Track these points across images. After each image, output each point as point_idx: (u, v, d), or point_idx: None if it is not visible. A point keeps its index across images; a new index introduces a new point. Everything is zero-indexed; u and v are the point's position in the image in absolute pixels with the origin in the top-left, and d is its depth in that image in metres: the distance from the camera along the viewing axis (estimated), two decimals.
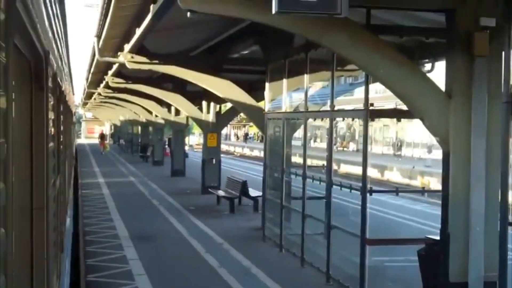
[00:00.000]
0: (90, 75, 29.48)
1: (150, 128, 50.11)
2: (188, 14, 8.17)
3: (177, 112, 34.59)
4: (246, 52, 19.98)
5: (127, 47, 16.14)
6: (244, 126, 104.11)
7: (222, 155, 54.10)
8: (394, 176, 42.63)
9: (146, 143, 49.83)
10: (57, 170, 4.39)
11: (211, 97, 25.60)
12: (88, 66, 27.14)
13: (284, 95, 14.29)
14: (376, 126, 59.15)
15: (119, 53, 16.61)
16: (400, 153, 56.77)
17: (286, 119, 14.12)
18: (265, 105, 16.79)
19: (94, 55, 19.68)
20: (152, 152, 43.69)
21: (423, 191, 14.61)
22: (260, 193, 20.63)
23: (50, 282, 2.98)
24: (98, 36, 16.28)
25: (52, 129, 3.62)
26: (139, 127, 54.39)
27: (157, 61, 16.74)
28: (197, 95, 26.68)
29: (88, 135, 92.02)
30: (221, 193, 22.04)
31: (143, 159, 46.62)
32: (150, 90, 25.96)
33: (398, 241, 11.51)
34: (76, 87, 61.40)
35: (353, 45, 8.35)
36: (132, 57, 16.39)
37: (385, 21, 10.36)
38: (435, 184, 38.74)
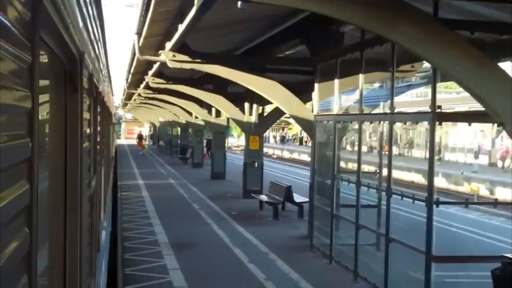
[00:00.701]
0: (130, 76, 28.97)
1: (190, 130, 49.69)
2: (239, 4, 7.35)
3: (218, 114, 33.91)
4: (291, 52, 19.13)
5: (169, 45, 15.40)
6: (283, 128, 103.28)
7: None
8: (438, 181, 41.14)
9: (185, 144, 49.36)
10: (92, 171, 4.36)
11: (253, 98, 24.75)
12: (128, 66, 26.61)
13: (335, 97, 13.32)
14: (419, 129, 57.64)
15: (160, 51, 15.88)
16: (440, 157, 55.13)
17: (338, 122, 13.13)
18: (314, 107, 15.86)
19: (134, 54, 19.04)
20: (191, 154, 43.12)
21: (495, 203, 13.32)
22: (305, 199, 19.72)
23: (84, 280, 2.97)
24: (139, 34, 15.59)
25: (88, 130, 3.58)
26: (179, 129, 53.99)
27: (199, 60, 15.94)
28: (239, 97, 25.90)
29: (127, 136, 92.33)
30: (264, 198, 21.17)
31: (182, 161, 46.13)
32: (191, 91, 25.26)
33: (469, 258, 10.40)
34: (116, 88, 61.61)
35: (425, 40, 7.37)
36: (174, 56, 15.64)
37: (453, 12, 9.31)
38: (484, 191, 37.17)
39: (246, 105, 24.93)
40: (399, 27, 7.35)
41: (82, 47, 2.82)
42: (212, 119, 33.76)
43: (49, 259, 2.46)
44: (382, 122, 12.66)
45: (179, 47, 15.51)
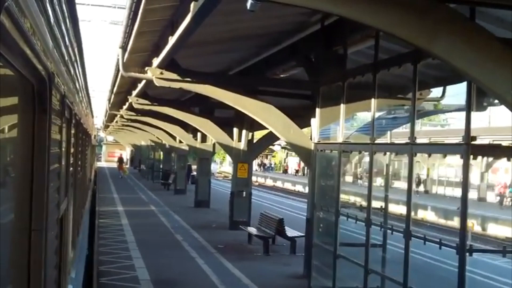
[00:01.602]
0: (113, 96, 27.43)
1: (173, 154, 48.13)
2: (249, 4, 6.01)
3: (203, 139, 32.47)
4: (285, 75, 17.85)
5: (156, 61, 14.00)
6: (267, 156, 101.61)
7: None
8: (427, 215, 39.78)
9: (168, 169, 47.72)
10: (63, 193, 4.33)
11: (243, 123, 23.42)
12: (111, 86, 25.11)
13: (341, 123, 11.96)
14: (404, 161, 56.29)
15: (146, 68, 14.46)
16: (417, 190, 53.89)
17: (344, 152, 11.75)
18: (312, 134, 14.49)
19: (118, 70, 17.56)
20: (174, 179, 41.50)
21: None
22: (298, 233, 18.31)
23: None
24: (123, 48, 14.16)
25: (57, 151, 3.49)
26: (161, 153, 52.37)
27: (189, 79, 14.53)
28: (226, 121, 24.50)
29: (108, 159, 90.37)
30: (253, 230, 19.64)
31: (164, 186, 44.45)
32: (177, 114, 23.80)
33: None
34: (98, 110, 60.04)
35: (475, 55, 6.03)
36: (161, 73, 14.22)
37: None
38: (477, 227, 35.89)
39: (235, 130, 23.52)
40: (442, 40, 6.03)
41: (52, 68, 2.80)
42: (198, 144, 32.28)
43: (12, 280, 2.39)
44: (388, 154, 11.35)
45: (168, 64, 14.11)
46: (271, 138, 24.59)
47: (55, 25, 3.11)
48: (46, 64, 2.57)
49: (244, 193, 23.18)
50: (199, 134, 32.43)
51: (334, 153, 12.37)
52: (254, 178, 79.45)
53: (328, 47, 13.68)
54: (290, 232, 18.60)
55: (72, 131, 5.42)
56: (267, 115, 14.67)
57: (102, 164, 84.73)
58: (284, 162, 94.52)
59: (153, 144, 51.94)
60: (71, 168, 5.43)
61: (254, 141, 24.26)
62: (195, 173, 48.56)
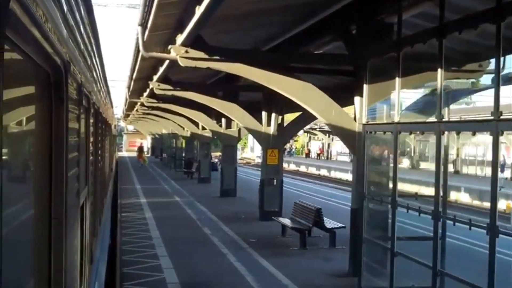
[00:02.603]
0: (132, 82, 26.00)
1: (196, 142, 46.80)
2: None
3: (228, 125, 31.00)
4: (320, 51, 16.21)
5: (180, 38, 12.48)
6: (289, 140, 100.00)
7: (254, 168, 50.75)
8: (463, 197, 37.86)
9: (190, 158, 46.40)
10: (84, 181, 4.35)
11: (271, 106, 21.85)
12: (130, 71, 23.65)
13: (396, 100, 10.33)
14: (432, 141, 54.28)
15: (170, 46, 12.94)
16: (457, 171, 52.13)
17: (401, 132, 10.14)
18: (357, 114, 12.91)
19: (137, 51, 16.08)
20: (198, 168, 40.11)
21: None
22: (337, 224, 16.78)
23: None
24: (143, 25, 12.66)
25: (76, 140, 3.48)
26: (183, 141, 51.05)
27: (218, 57, 12.99)
28: (253, 105, 22.96)
29: (129, 148, 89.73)
30: (287, 222, 18.11)
31: (187, 175, 43.11)
32: (201, 98, 22.29)
33: None
34: (118, 99, 58.90)
35: None
36: (186, 52, 12.70)
37: None
38: None
39: (264, 114, 21.95)
40: None
41: (68, 56, 2.82)
42: (222, 130, 30.78)
43: (33, 268, 2.40)
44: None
45: (193, 41, 12.59)
46: (302, 122, 23.04)
47: (68, 13, 3.06)
48: (61, 53, 2.58)
49: (275, 181, 21.66)
50: (223, 120, 30.98)
51: (388, 134, 10.77)
52: None
53: (374, 15, 12.06)
54: (328, 223, 17.06)
55: (91, 120, 5.39)
56: (306, 94, 13.09)
57: (123, 153, 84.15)
58: (307, 146, 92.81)
59: (174, 132, 50.62)
60: (91, 157, 5.39)
61: (284, 125, 22.62)
62: (215, 160, 47.29)
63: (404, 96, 14.04)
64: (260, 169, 57.59)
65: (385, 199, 10.77)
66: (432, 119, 9.65)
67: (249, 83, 24.43)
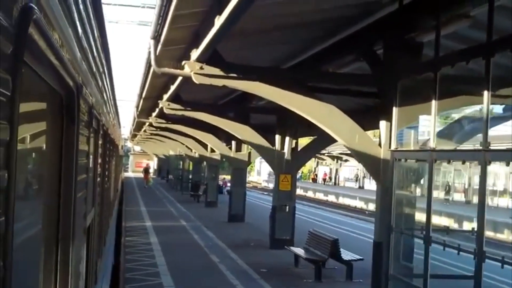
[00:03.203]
0: (142, 101, 25.24)
1: (203, 165, 45.91)
2: None
3: (238, 148, 30.12)
4: (341, 71, 15.34)
5: (196, 53, 11.64)
6: None
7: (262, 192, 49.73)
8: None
9: (198, 180, 45.44)
10: (91, 203, 4.38)
11: (285, 129, 20.97)
12: (140, 89, 22.88)
13: (433, 124, 9.41)
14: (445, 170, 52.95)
15: (184, 62, 12.11)
16: (448, 198, 50.55)
17: (436, 161, 9.19)
18: (382, 139, 11.99)
19: (149, 66, 15.27)
20: (204, 191, 39.13)
21: None
22: (355, 256, 15.76)
23: None
24: (156, 38, 11.86)
25: (85, 162, 3.51)
26: (190, 163, 50.17)
27: (235, 75, 12.13)
28: (265, 128, 22.07)
29: (135, 169, 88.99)
30: (300, 252, 17.09)
31: (194, 198, 42.11)
32: (213, 120, 21.43)
33: None
34: (125, 119, 58.23)
35: None
36: (201, 68, 11.86)
37: None
38: None
39: (277, 137, 21.05)
40: None
41: (80, 80, 2.85)
42: (232, 153, 29.88)
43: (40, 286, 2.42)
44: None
45: (209, 57, 11.76)
46: (317, 146, 22.13)
47: (83, 36, 3.13)
48: (74, 76, 2.61)
49: (287, 207, 20.67)
50: (233, 143, 30.11)
51: (420, 162, 9.83)
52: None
53: (403, 34, 11.21)
54: (345, 255, 16.03)
55: (100, 142, 5.45)
56: (328, 117, 12.18)
57: (129, 174, 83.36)
58: (315, 171, 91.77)
59: (182, 154, 49.78)
60: (98, 179, 5.39)
61: (299, 149, 21.69)
62: (219, 182, 46.25)
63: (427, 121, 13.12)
64: (267, 193, 56.75)
65: (416, 233, 9.78)
66: (470, 146, 8.75)
67: (262, 105, 23.66)
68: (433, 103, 9.32)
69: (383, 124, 12.14)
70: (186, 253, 19.23)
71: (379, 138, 12.43)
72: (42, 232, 2.40)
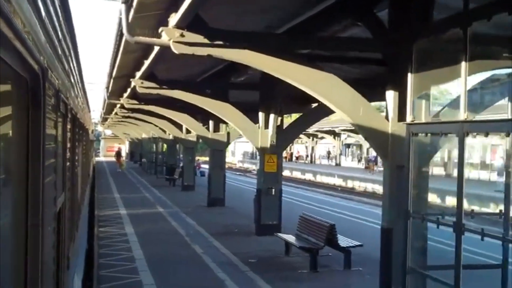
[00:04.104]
0: (112, 81, 23.37)
1: (178, 147, 44.25)
2: None
3: (216, 128, 28.50)
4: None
5: (175, 18, 10.00)
6: None
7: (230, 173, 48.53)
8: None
9: (173, 164, 43.76)
10: (61, 188, 4.39)
11: (269, 106, 19.42)
12: (110, 68, 21.01)
13: (462, 92, 7.95)
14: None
15: (161, 29, 10.43)
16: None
17: (468, 134, 7.73)
18: (389, 111, 10.54)
19: (120, 37, 13.55)
20: (181, 174, 37.46)
21: None
22: (353, 242, 14.40)
23: None
24: (127, 2, 10.17)
25: (53, 146, 3.44)
26: (164, 146, 48.41)
27: (220, 42, 10.50)
28: (245, 107, 20.45)
29: (107, 154, 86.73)
30: (291, 239, 15.65)
31: (169, 182, 40.41)
32: (190, 98, 19.77)
33: None
34: (95, 102, 56.13)
35: None
36: (182, 35, 10.20)
37: None
38: None
39: (261, 115, 19.48)
40: None
41: (46, 63, 2.82)
42: (210, 134, 28.25)
43: (10, 276, 2.40)
44: None
45: (191, 22, 10.12)
46: (304, 123, 20.64)
47: (46, 18, 3.05)
48: (39, 59, 2.57)
49: (274, 190, 19.19)
50: (211, 123, 28.47)
51: (445, 137, 8.39)
52: (253, 167, 76.49)
53: None
54: (342, 241, 14.64)
55: (68, 126, 5.43)
56: (328, 88, 10.65)
57: (100, 158, 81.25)
58: (290, 150, 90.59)
59: (155, 136, 47.93)
60: (68, 163, 5.38)
61: (284, 127, 20.16)
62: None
63: (439, 90, 11.72)
64: (242, 173, 55.06)
65: (442, 220, 8.36)
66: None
67: (242, 81, 22.07)
68: (463, 65, 7.85)
69: (390, 94, 10.70)
70: (166, 244, 17.66)
71: (386, 110, 10.98)
72: (11, 219, 2.39)
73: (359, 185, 51.36)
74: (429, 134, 9.36)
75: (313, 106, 23.00)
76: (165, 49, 12.64)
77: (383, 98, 10.90)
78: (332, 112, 21.19)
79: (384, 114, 11.11)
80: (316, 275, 13.85)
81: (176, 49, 10.36)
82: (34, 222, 2.59)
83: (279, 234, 16.54)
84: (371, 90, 11.90)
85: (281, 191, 19.62)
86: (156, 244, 17.40)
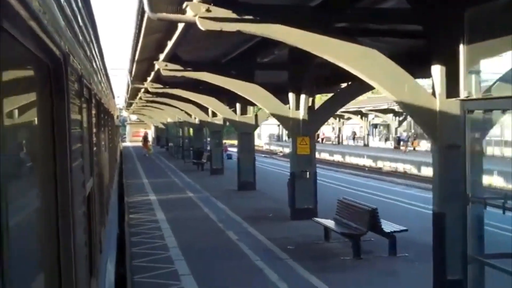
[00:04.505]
0: (135, 64, 22.72)
1: (204, 130, 43.66)
2: None
3: (243, 111, 27.77)
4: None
5: None
6: None
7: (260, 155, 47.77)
8: None
9: (200, 147, 43.22)
10: (89, 172, 4.42)
11: (300, 86, 18.59)
12: (132, 51, 20.31)
13: None
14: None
15: (186, 3, 9.67)
16: None
17: None
18: (436, 87, 9.68)
19: (141, 15, 12.83)
20: (209, 158, 36.86)
21: None
22: (397, 227, 13.62)
23: (80, 279, 2.97)
24: None
25: (78, 131, 3.50)
26: (191, 130, 47.84)
27: (250, 17, 9.72)
28: (272, 88, 19.59)
29: (133, 139, 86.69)
30: (331, 224, 14.92)
31: (197, 166, 39.88)
32: (216, 79, 19.05)
33: None
34: (119, 88, 55.84)
35: None
36: (208, 10, 9.44)
37: None
38: None
39: (291, 96, 18.65)
40: None
41: (67, 48, 2.82)
42: (237, 117, 27.51)
43: (43, 260, 2.42)
44: None
45: None
46: (337, 103, 19.78)
47: (65, 3, 3.07)
48: (60, 44, 2.57)
49: (308, 173, 18.44)
50: (238, 105, 27.73)
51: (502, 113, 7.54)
52: (279, 149, 76.05)
53: None
54: (386, 225, 13.85)
55: (93, 111, 5.42)
56: (369, 64, 9.81)
57: (127, 144, 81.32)
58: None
59: (181, 121, 47.34)
60: (94, 148, 5.36)
61: (316, 107, 19.32)
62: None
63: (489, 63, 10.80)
64: (269, 156, 54.38)
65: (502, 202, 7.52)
66: None
67: (270, 61, 21.25)
68: None
69: (437, 69, 9.83)
70: (199, 230, 17.06)
71: (433, 86, 10.11)
72: (41, 205, 2.36)
73: (390, 165, 50.20)
74: (481, 111, 8.53)
75: (342, 86, 22.17)
76: (189, 27, 11.96)
77: (425, 75, 10.03)
78: (366, 90, 20.44)
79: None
80: (360, 262, 13.12)
81: (202, 25, 9.61)
82: (64, 205, 2.61)
83: (317, 219, 15.81)
84: (412, 66, 10.99)
85: (316, 174, 18.85)
86: (189, 231, 16.83)
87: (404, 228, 13.60)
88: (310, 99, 18.52)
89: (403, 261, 13.03)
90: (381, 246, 14.00)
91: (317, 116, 18.71)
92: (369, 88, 17.14)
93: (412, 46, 12.59)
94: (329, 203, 19.55)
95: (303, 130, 18.30)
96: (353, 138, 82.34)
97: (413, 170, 44.75)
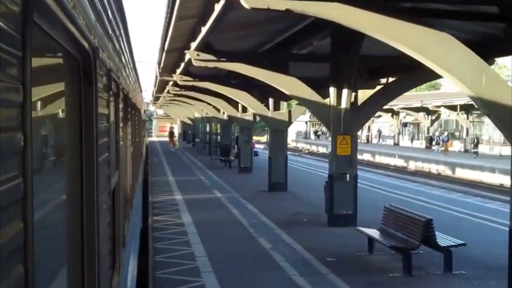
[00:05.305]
0: (164, 54, 21.33)
1: (233, 127, 42.29)
2: None
3: (276, 107, 26.28)
4: None
5: None
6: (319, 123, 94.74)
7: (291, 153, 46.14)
8: None
9: (227, 144, 41.85)
10: (114, 166, 4.36)
11: (341, 79, 16.99)
12: (162, 39, 18.88)
13: None
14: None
15: None
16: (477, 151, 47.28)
17: None
18: None
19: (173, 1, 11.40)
20: (237, 155, 35.43)
21: None
22: (456, 241, 12.00)
23: (103, 273, 2.98)
24: None
25: (106, 125, 3.48)
26: (218, 125, 46.49)
27: None
28: (309, 81, 18.05)
29: (159, 134, 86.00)
30: (376, 235, 13.33)
31: (225, 163, 38.48)
32: (251, 71, 17.58)
33: None
34: (146, 82, 54.94)
35: None
36: None
37: None
38: None
39: (332, 90, 17.05)
40: None
41: (96, 42, 2.83)
42: (270, 113, 26.00)
43: (67, 252, 2.45)
44: None
45: None
46: (383, 98, 18.12)
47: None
48: (90, 38, 2.57)
49: (348, 176, 16.86)
50: (270, 100, 26.25)
51: None
52: (307, 146, 74.87)
53: None
54: (440, 238, 12.23)
55: (120, 105, 5.44)
56: (443, 51, 8.22)
57: (153, 139, 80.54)
58: None
59: (208, 116, 46.03)
60: (121, 142, 5.31)
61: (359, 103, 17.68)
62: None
63: None
64: (291, 153, 52.89)
65: None
66: None
67: (308, 52, 19.76)
68: None
69: None
70: (229, 237, 15.57)
71: None
72: (67, 197, 2.37)
73: (428, 167, 48.29)
74: None
75: (382, 81, 20.62)
76: (227, 9, 10.53)
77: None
78: (417, 84, 18.79)
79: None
80: (412, 280, 11.52)
81: (246, 2, 8.12)
82: (90, 199, 2.61)
83: (360, 228, 14.19)
84: (487, 55, 9.38)
85: (357, 177, 17.24)
86: (217, 238, 15.36)
87: (462, 242, 11.98)
88: (353, 94, 16.88)
89: (460, 279, 11.42)
90: (432, 260, 12.43)
91: (360, 113, 17.08)
92: (421, 81, 15.58)
93: (484, 33, 10.95)
94: (368, 206, 18.01)
95: (345, 128, 16.70)
96: (379, 137, 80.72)
97: (458, 173, 43.01)
